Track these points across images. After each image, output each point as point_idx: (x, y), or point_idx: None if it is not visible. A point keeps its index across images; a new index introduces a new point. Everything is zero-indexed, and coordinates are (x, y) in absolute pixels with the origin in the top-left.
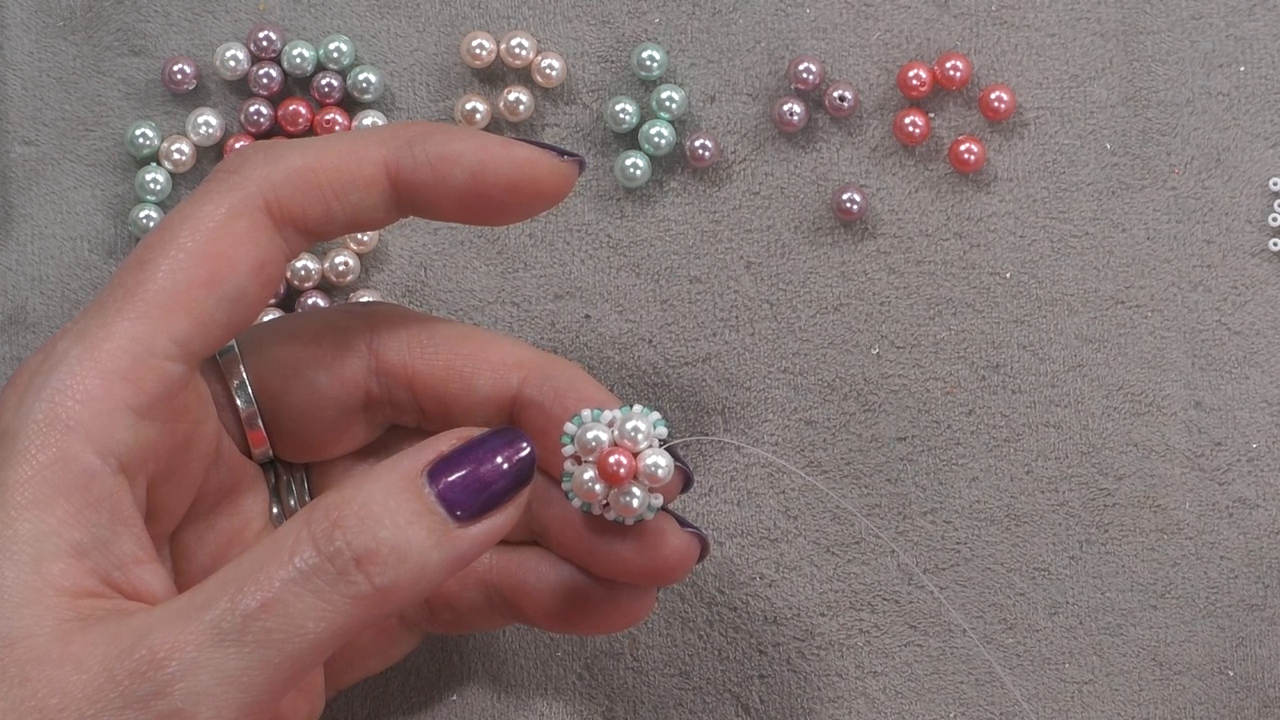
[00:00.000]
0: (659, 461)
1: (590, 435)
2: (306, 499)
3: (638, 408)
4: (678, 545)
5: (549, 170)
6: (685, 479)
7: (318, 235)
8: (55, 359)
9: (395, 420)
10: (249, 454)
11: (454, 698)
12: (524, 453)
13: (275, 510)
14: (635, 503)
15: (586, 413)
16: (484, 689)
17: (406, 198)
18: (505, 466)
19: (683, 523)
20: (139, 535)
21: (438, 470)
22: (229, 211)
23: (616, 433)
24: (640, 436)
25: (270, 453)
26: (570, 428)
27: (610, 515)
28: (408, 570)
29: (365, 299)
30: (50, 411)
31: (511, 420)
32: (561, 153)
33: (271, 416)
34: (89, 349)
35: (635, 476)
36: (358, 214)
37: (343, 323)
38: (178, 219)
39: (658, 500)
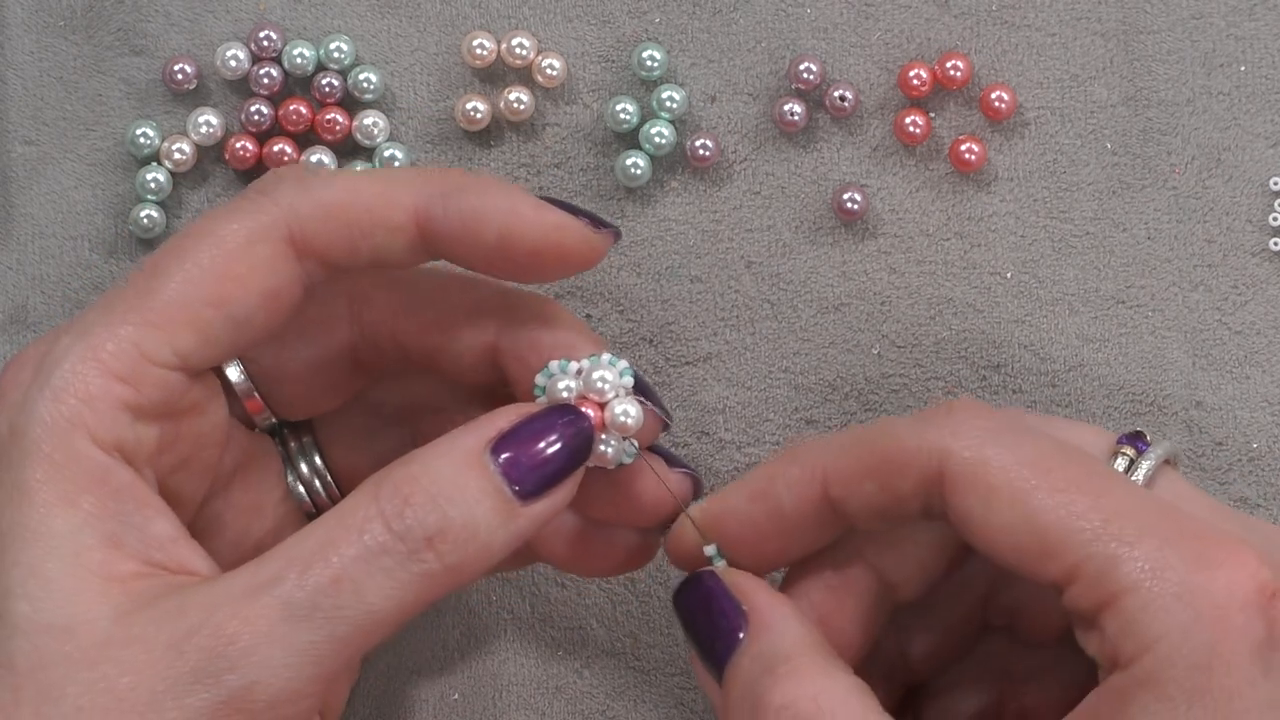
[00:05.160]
0: (628, 410)
1: (561, 387)
2: (317, 461)
3: (605, 357)
4: (654, 491)
5: (578, 240)
6: (661, 422)
7: (340, 270)
8: (58, 355)
9: (387, 368)
10: (250, 424)
11: (455, 697)
12: (581, 430)
13: (290, 479)
14: (610, 452)
15: (554, 364)
16: (484, 689)
17: (434, 246)
18: (563, 444)
19: (672, 461)
20: (168, 516)
21: (499, 446)
22: (250, 235)
23: (583, 384)
24: (606, 387)
25: (272, 418)
26: (541, 380)
27: (590, 464)
28: (475, 549)
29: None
30: (55, 410)
31: (495, 366)
32: (596, 222)
33: (265, 389)
34: (92, 347)
35: (604, 427)
36: (382, 255)
37: (320, 295)
38: (200, 232)
39: (633, 446)
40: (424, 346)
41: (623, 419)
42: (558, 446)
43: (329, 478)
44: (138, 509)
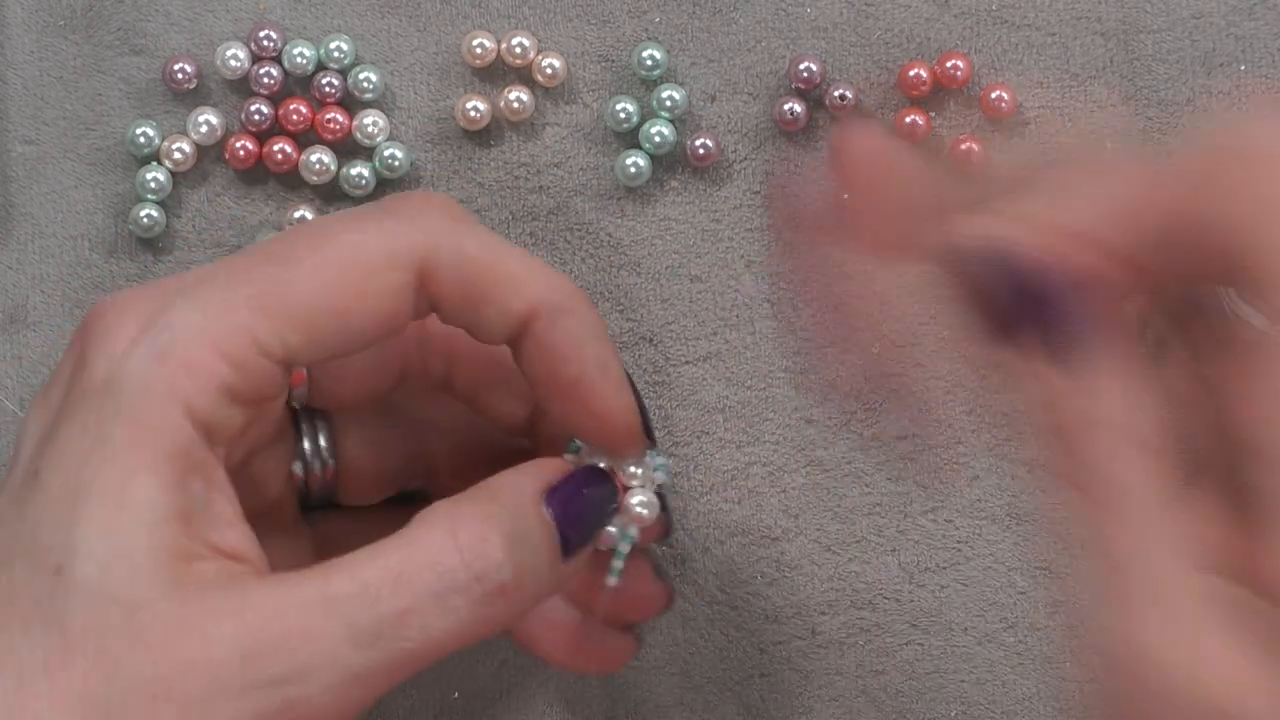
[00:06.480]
0: (644, 501)
1: (596, 457)
2: (322, 444)
3: (651, 453)
4: (639, 591)
5: (610, 430)
6: (665, 528)
7: (441, 316)
8: (172, 318)
9: (420, 380)
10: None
11: (455, 696)
12: (612, 496)
13: (308, 446)
14: (613, 532)
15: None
16: (484, 689)
17: (518, 351)
18: (598, 506)
19: (657, 571)
20: (232, 499)
21: (550, 498)
22: (390, 258)
23: (616, 464)
24: (638, 472)
25: (305, 397)
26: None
27: None
28: (530, 600)
29: None
30: (158, 373)
31: (530, 423)
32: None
33: (313, 372)
34: (209, 320)
35: (619, 510)
36: (480, 331)
37: None
38: (343, 232)
39: (634, 531)
40: (472, 386)
41: (638, 509)
42: (596, 507)
43: (331, 464)
44: (206, 489)
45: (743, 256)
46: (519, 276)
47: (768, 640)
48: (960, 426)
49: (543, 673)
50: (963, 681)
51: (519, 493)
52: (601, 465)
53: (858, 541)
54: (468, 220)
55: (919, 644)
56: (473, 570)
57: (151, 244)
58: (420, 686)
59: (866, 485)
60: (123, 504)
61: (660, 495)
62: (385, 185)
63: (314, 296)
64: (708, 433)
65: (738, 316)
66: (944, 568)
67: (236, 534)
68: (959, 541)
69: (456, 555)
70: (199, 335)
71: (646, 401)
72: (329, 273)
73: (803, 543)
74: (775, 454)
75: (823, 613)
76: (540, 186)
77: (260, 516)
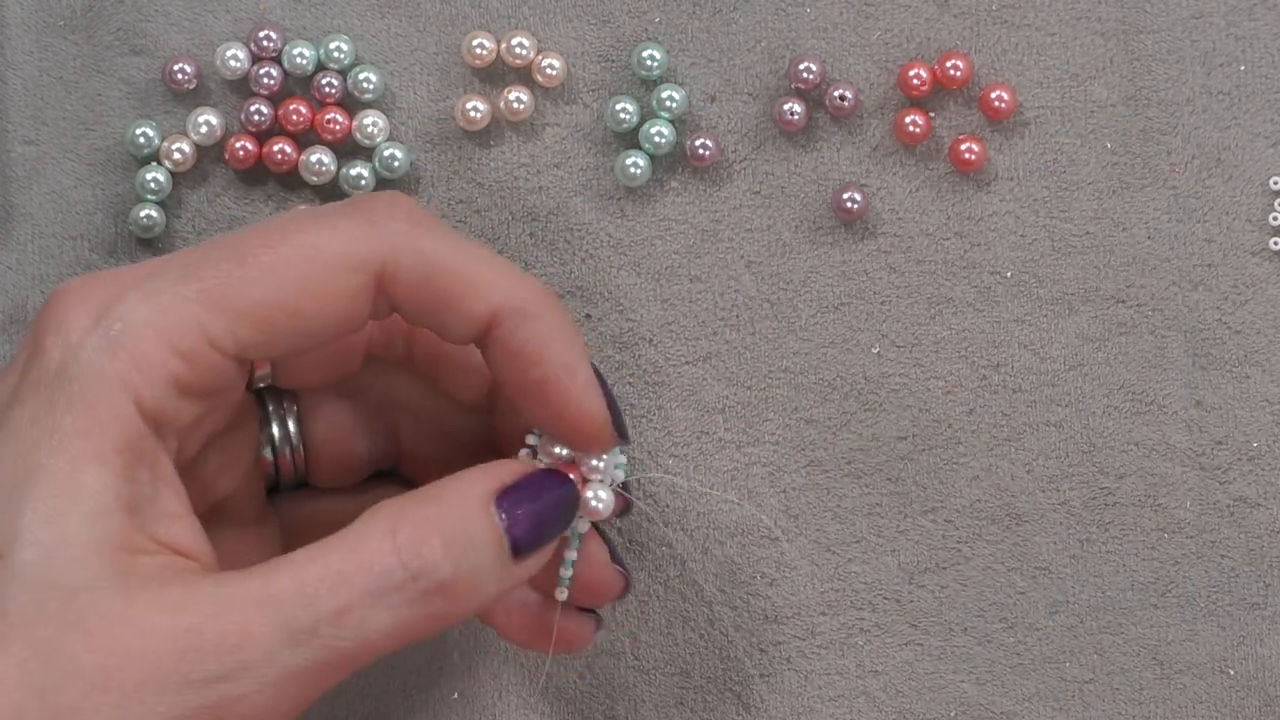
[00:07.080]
0: (600, 496)
1: (555, 449)
2: (291, 428)
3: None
4: (594, 575)
5: (586, 420)
6: (623, 505)
7: (404, 318)
8: (123, 311)
9: (383, 354)
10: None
11: (455, 696)
12: (572, 499)
13: (277, 432)
14: None
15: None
16: (485, 688)
17: (484, 349)
18: (556, 508)
19: (614, 558)
20: (178, 491)
21: (501, 499)
22: (348, 260)
23: (575, 457)
24: (600, 465)
25: (269, 379)
26: (532, 440)
27: None
28: (476, 599)
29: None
30: (109, 365)
31: (489, 400)
32: (620, 431)
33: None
34: (160, 313)
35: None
36: (444, 331)
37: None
38: (301, 228)
39: (584, 526)
40: (431, 363)
41: (594, 504)
42: (552, 510)
43: (300, 449)
44: (153, 480)
45: (742, 257)
46: (481, 280)
47: (768, 640)
48: (960, 427)
49: (543, 672)
50: (962, 682)
51: (466, 493)
52: (563, 454)
53: (857, 541)
54: (432, 223)
55: (919, 644)
56: (410, 569)
57: (151, 244)
58: (420, 687)
59: (866, 485)
60: (69, 492)
61: (623, 486)
62: (385, 185)
63: (267, 294)
64: (708, 433)
65: (737, 317)
66: (944, 568)
67: (182, 527)
68: (959, 541)
69: (394, 555)
70: (149, 328)
71: (646, 401)
72: (283, 271)
73: (802, 543)
74: (775, 454)
75: (822, 613)
76: (540, 187)
77: (222, 507)
